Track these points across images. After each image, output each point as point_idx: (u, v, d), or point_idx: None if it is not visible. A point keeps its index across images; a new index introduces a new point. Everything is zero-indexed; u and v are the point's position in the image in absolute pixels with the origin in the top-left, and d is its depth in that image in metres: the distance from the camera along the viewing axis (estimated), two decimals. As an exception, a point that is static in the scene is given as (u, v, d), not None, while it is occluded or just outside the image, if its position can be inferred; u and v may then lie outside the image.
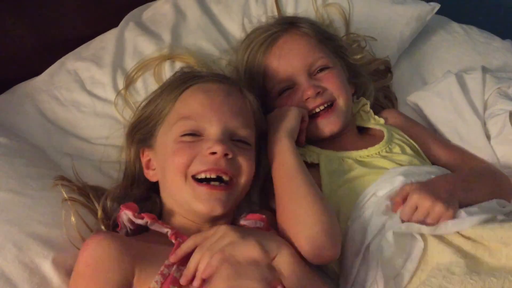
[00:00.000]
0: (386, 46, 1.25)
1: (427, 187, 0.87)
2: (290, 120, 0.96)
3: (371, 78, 1.17)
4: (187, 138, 0.87)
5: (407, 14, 1.28)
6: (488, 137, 1.08)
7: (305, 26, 1.09)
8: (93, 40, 1.22)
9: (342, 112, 1.04)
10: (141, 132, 0.96)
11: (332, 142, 1.05)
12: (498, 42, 1.35)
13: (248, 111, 0.95)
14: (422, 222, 0.85)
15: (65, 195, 0.88)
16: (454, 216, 0.85)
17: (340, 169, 0.99)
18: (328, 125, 1.03)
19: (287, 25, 1.09)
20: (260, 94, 1.03)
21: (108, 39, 1.21)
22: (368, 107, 1.12)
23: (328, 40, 1.12)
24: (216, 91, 0.92)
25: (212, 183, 0.85)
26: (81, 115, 1.10)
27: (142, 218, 0.84)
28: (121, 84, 1.12)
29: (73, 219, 0.86)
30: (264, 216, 0.89)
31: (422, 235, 0.84)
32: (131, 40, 1.19)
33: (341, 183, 0.96)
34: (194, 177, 0.85)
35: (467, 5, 1.61)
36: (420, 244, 0.83)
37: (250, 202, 1.03)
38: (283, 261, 0.78)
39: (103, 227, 0.89)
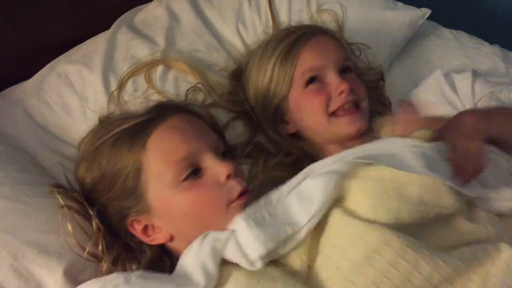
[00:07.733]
0: (379, 51, 1.25)
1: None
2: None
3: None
4: (190, 180, 0.81)
5: (399, 20, 1.29)
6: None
7: (334, 33, 1.13)
8: (84, 43, 1.20)
9: (366, 115, 1.04)
10: (115, 212, 0.86)
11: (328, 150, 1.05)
12: (487, 47, 1.36)
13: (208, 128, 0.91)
14: None
15: (62, 202, 0.85)
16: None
17: None
18: (353, 124, 1.01)
19: (318, 29, 1.11)
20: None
21: (99, 41, 1.19)
22: None
23: (350, 49, 1.16)
24: (183, 122, 0.86)
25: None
26: (71, 119, 1.08)
27: None
28: (112, 88, 1.10)
29: (69, 226, 0.83)
30: None
31: None
32: (123, 43, 1.18)
33: None
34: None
35: (456, 11, 1.63)
36: None
37: None
38: None
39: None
